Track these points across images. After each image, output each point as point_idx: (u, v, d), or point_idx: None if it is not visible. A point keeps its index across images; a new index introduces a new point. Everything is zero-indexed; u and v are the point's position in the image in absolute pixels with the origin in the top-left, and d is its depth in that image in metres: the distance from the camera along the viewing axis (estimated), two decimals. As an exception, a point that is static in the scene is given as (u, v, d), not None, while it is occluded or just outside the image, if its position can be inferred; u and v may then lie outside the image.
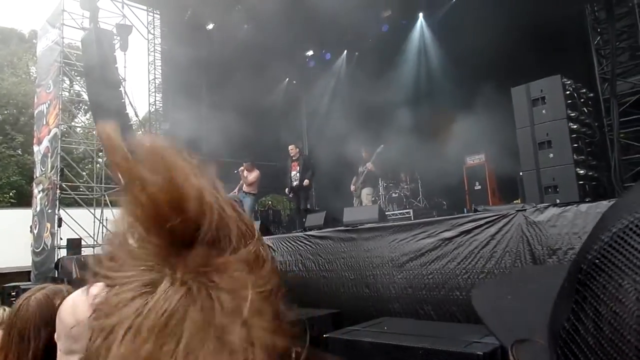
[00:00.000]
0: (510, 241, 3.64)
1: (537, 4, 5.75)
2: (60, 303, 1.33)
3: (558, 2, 5.22)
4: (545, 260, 3.36)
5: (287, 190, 9.20)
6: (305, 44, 13.14)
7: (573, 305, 0.33)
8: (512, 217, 3.71)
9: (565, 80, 5.07)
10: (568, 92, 5.07)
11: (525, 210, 3.69)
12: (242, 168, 9.19)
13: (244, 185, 9.07)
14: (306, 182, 8.68)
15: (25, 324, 1.39)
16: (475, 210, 4.85)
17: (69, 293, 1.41)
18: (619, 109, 5.14)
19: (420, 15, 11.68)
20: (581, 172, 4.91)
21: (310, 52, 13.80)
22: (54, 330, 1.29)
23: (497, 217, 3.81)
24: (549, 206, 3.58)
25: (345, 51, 13.50)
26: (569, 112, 4.97)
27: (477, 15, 9.64)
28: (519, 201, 7.12)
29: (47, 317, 1.37)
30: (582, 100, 5.45)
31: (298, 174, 8.75)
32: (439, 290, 3.97)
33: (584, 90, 5.61)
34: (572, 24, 6.62)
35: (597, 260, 0.31)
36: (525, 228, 3.58)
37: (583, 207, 3.35)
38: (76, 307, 1.16)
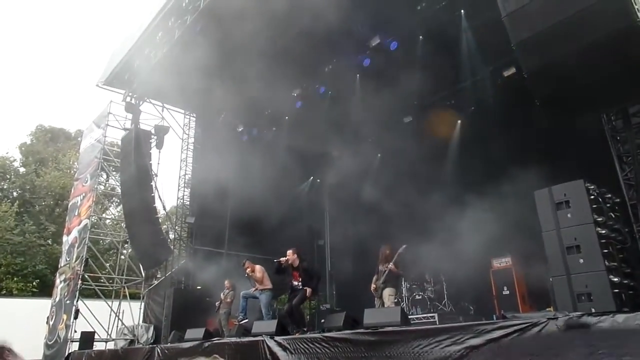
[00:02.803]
0: (543, 352, 3.39)
1: (550, 113, 5.98)
2: None
3: (571, 112, 5.41)
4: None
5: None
6: (330, 145, 13.73)
7: None
8: (544, 326, 3.49)
9: (588, 185, 5.06)
10: (593, 197, 5.01)
11: (557, 319, 3.48)
12: (247, 268, 8.78)
13: (256, 284, 8.74)
14: (309, 291, 7.71)
15: None
16: (504, 317, 4.59)
17: None
18: (647, 214, 5.03)
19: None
20: (615, 279, 4.67)
21: (335, 152, 14.35)
22: None
23: (527, 325, 3.59)
24: (582, 315, 3.37)
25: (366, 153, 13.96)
26: (596, 216, 4.88)
27: (495, 120, 10.06)
28: (551, 309, 6.72)
29: None
30: (608, 205, 5.37)
31: (300, 285, 7.78)
32: (467, 406, 3.63)
33: (609, 195, 5.55)
34: (592, 131, 6.79)
35: None
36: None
37: (620, 317, 3.14)
38: None
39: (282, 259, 8.00)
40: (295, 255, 8.02)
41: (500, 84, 9.94)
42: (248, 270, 8.76)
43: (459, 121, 11.54)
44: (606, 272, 4.61)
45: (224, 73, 10.11)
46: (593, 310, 4.18)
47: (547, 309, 6.89)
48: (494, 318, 7.44)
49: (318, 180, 15.87)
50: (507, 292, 8.72)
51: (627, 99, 5.14)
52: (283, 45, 9.81)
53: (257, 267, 8.78)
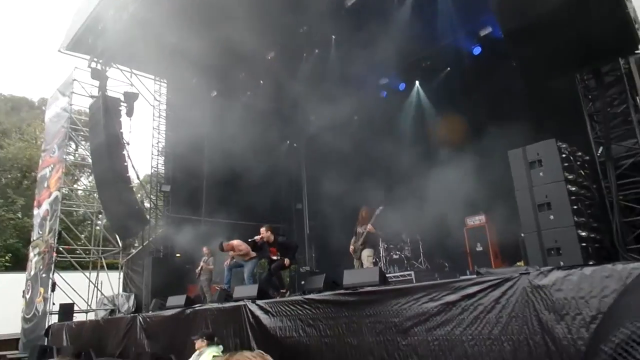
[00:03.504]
0: (515, 305, 3.53)
1: (526, 72, 6.03)
2: None
3: (546, 72, 5.45)
4: (553, 326, 3.24)
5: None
6: (308, 109, 13.57)
7: None
8: (516, 281, 3.63)
9: (560, 143, 5.18)
10: (564, 155, 5.15)
11: (528, 273, 3.62)
12: (228, 251, 8.63)
13: (244, 257, 8.66)
14: (287, 261, 7.93)
15: None
16: (478, 273, 4.76)
17: None
18: (615, 171, 5.20)
19: (417, 82, 12.17)
20: (583, 234, 4.88)
21: (312, 116, 14.20)
22: None
23: (500, 280, 3.72)
24: (553, 269, 3.51)
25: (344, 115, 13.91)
26: (566, 174, 5.03)
27: (470, 81, 10.10)
28: (522, 263, 7.00)
29: None
30: (578, 163, 5.53)
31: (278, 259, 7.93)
32: (445, 357, 3.79)
33: (580, 153, 5.71)
34: (564, 91, 6.89)
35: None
36: (530, 292, 3.48)
37: (587, 270, 3.28)
38: None
39: (257, 237, 8.07)
40: (269, 233, 8.10)
41: (476, 44, 9.93)
42: (231, 253, 8.65)
43: (435, 82, 11.54)
44: (575, 227, 4.81)
45: (195, 35, 9.71)
46: (562, 264, 4.37)
47: (518, 264, 7.18)
48: (468, 274, 7.72)
49: (295, 145, 15.79)
50: (480, 249, 9.03)
51: (599, 58, 5.21)
52: (257, 4, 9.44)
53: (235, 242, 8.60)
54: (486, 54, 10.03)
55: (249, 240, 8.32)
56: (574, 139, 5.73)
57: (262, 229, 8.15)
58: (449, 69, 11.11)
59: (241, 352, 0.76)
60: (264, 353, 0.74)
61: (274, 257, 7.96)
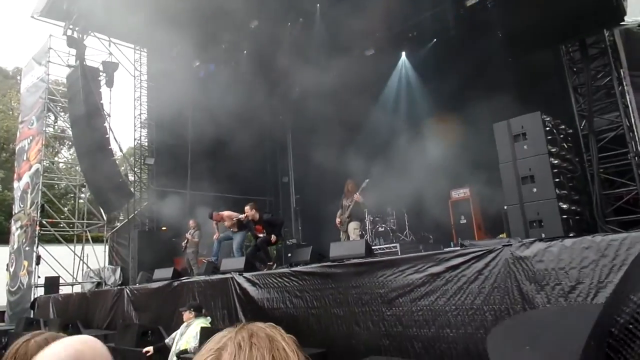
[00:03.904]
0: (498, 277, 3.63)
1: (512, 44, 5.99)
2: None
3: (532, 43, 5.44)
4: (533, 296, 3.34)
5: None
6: (292, 80, 13.36)
7: None
8: (499, 252, 3.72)
9: (544, 116, 5.22)
10: (548, 128, 5.20)
11: (511, 245, 3.71)
12: (218, 222, 8.73)
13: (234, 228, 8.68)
14: (274, 238, 7.93)
15: None
16: (462, 245, 4.86)
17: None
18: (597, 144, 5.28)
19: (403, 53, 12.03)
20: (564, 206, 4.98)
21: (296, 87, 13.99)
22: None
23: (483, 252, 3.81)
24: (534, 241, 3.60)
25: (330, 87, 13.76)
26: (550, 147, 5.09)
27: (457, 53, 10.02)
28: (504, 235, 7.16)
29: None
30: (561, 136, 5.60)
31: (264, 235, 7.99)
32: (429, 327, 3.90)
33: (563, 126, 5.77)
34: (549, 63, 6.89)
35: (630, 326, 0.29)
36: (512, 263, 3.58)
37: (568, 242, 3.38)
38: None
39: (242, 216, 8.03)
40: (254, 211, 8.06)
41: (462, 14, 9.79)
42: (226, 224, 8.62)
43: (420, 53, 11.43)
44: (556, 200, 4.91)
45: (175, 1, 9.36)
46: (543, 236, 4.48)
47: (501, 236, 7.34)
48: (452, 246, 7.88)
49: (280, 117, 15.61)
50: (464, 222, 9.18)
51: (584, 29, 5.20)
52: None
53: (226, 213, 8.64)
54: (472, 25, 9.92)
55: (233, 219, 8.33)
56: (557, 112, 5.77)
57: (247, 207, 8.09)
58: (435, 40, 10.98)
59: (253, 322, 0.76)
60: (275, 325, 0.73)
61: (260, 235, 7.97)
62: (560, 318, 0.58)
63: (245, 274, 5.96)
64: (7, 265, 14.45)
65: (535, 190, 5.04)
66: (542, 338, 0.48)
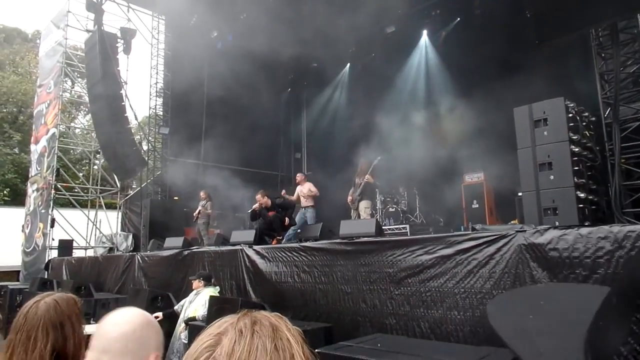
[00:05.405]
0: (509, 262, 3.59)
1: (541, 25, 5.79)
2: (73, 308, 1.53)
3: (562, 25, 5.23)
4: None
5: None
6: (309, 56, 13.16)
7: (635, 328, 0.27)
8: (512, 238, 3.66)
9: (568, 102, 5.07)
10: (570, 115, 5.05)
11: (525, 231, 3.65)
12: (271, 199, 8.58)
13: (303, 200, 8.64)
14: (287, 220, 8.15)
15: (33, 324, 1.46)
16: (473, 229, 4.81)
17: (79, 302, 1.59)
18: (620, 134, 5.14)
19: (424, 32, 11.75)
20: (581, 195, 4.88)
21: (314, 64, 13.80)
22: (61, 334, 1.47)
23: (496, 237, 3.76)
24: (549, 228, 3.53)
25: (349, 64, 13.57)
26: (571, 134, 4.95)
27: (480, 34, 9.75)
28: (516, 221, 7.08)
29: (56, 320, 1.49)
30: (584, 123, 5.44)
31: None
32: (436, 308, 3.90)
33: (587, 113, 5.60)
34: (577, 48, 6.66)
35: None
36: (524, 249, 3.53)
37: (584, 231, 3.31)
38: (119, 322, 1.23)
39: (255, 206, 8.17)
40: (265, 198, 8.23)
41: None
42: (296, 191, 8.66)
43: (444, 33, 11.15)
44: (574, 188, 4.80)
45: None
46: (557, 224, 4.41)
47: (512, 222, 7.27)
48: (462, 229, 7.83)
49: (296, 94, 15.49)
50: (477, 206, 9.10)
51: (617, 13, 4.99)
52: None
53: (307, 184, 8.64)
54: (500, 4, 9.60)
55: (248, 211, 8.46)
56: (580, 98, 5.60)
57: (258, 196, 8.24)
58: (458, 19, 10.69)
59: (259, 311, 0.75)
60: (281, 316, 0.72)
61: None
62: (562, 294, 0.55)
63: (255, 247, 6.00)
64: (23, 226, 14.79)
65: (552, 177, 4.93)
66: (546, 309, 0.45)
